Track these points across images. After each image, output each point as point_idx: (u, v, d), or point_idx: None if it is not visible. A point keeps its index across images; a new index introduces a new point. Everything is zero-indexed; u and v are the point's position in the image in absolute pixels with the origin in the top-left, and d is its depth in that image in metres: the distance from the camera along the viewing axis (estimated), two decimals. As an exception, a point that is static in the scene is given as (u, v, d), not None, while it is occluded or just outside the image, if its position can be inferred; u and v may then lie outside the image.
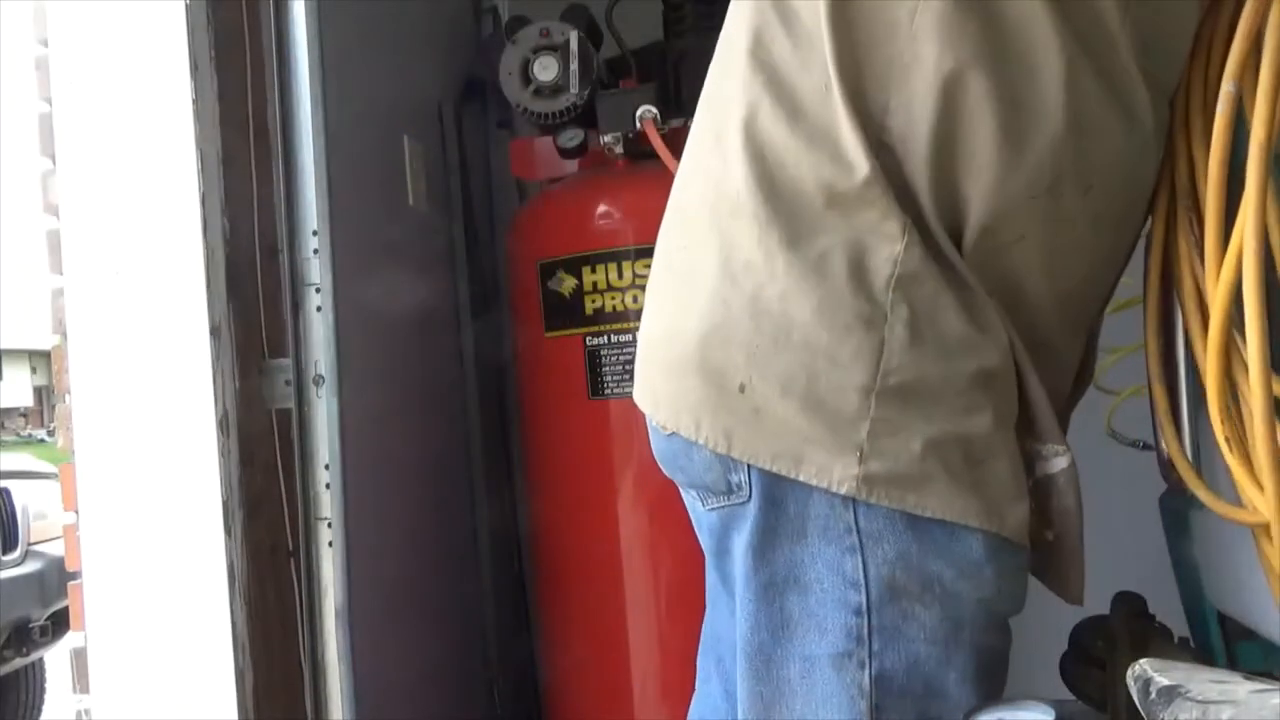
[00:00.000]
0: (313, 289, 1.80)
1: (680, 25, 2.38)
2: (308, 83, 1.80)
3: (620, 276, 2.21)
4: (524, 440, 2.54)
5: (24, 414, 23.15)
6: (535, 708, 2.57)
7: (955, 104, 1.01)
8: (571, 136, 2.23)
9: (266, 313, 1.85)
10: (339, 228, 1.85)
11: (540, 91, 2.24)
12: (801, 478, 1.00)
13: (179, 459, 1.70)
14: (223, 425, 1.71)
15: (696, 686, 1.37)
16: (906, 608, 1.01)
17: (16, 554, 4.08)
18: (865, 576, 1.01)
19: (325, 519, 1.79)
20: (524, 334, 2.42)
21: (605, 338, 2.22)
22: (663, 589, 2.28)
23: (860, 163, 1.00)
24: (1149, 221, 1.18)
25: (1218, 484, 1.11)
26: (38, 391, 23.05)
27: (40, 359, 21.08)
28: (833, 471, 0.99)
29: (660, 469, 1.20)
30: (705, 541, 1.18)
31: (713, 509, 1.11)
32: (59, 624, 4.11)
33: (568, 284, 2.26)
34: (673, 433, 1.09)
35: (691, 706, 1.38)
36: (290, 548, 1.82)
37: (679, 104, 2.24)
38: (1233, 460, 1.02)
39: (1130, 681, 1.04)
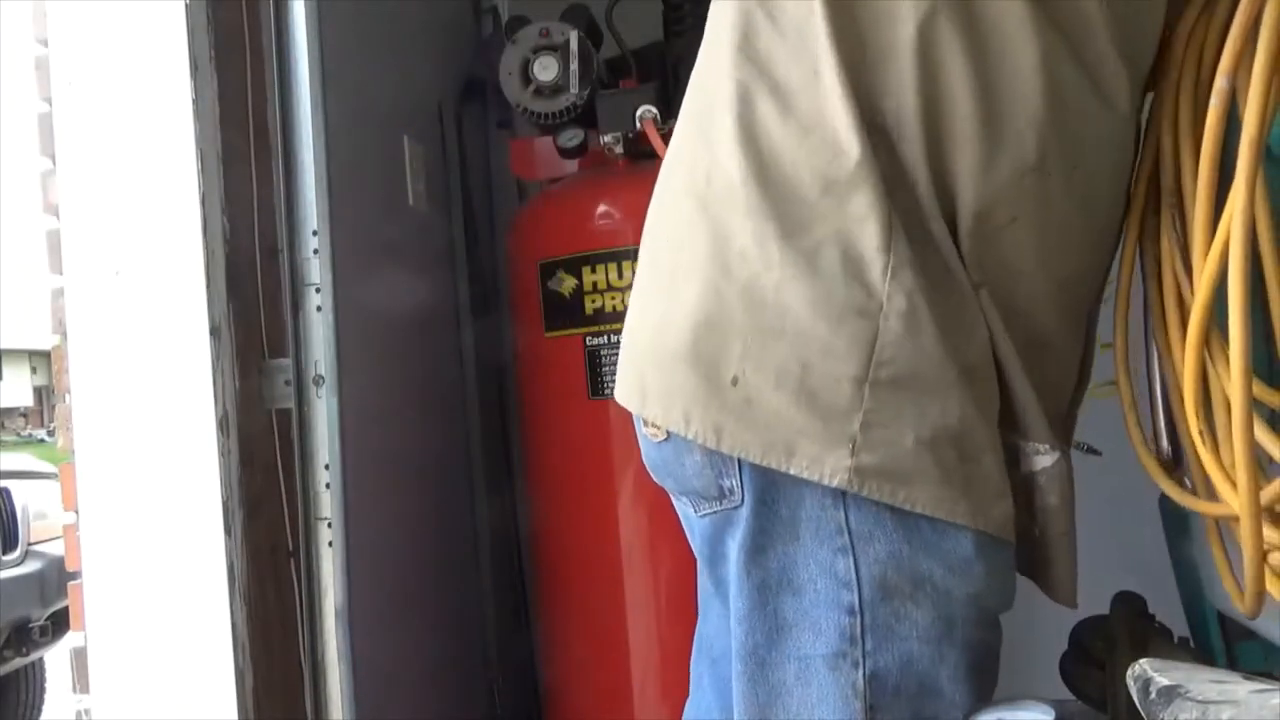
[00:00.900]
0: (313, 289, 1.80)
1: (680, 25, 2.38)
2: (308, 83, 1.80)
3: (620, 276, 2.21)
4: (524, 440, 2.54)
5: (24, 414, 23.17)
6: (535, 708, 2.57)
7: (934, 73, 1.03)
8: (571, 136, 2.23)
9: (266, 313, 1.85)
10: (339, 228, 1.85)
11: (540, 91, 2.24)
12: (793, 470, 1.00)
13: (179, 459, 1.70)
14: (223, 425, 1.71)
15: (690, 692, 1.37)
16: (899, 607, 1.02)
17: (16, 554, 4.08)
18: (857, 576, 1.01)
19: (325, 519, 1.79)
20: (524, 334, 2.42)
21: (605, 338, 2.22)
22: (662, 589, 2.28)
23: (852, 146, 1.00)
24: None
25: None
26: (38, 391, 23.07)
27: (40, 359, 21.10)
28: (824, 463, 0.99)
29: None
30: (698, 548, 1.18)
31: (705, 515, 1.11)
32: (59, 624, 4.11)
33: (568, 284, 2.26)
34: (663, 440, 1.10)
35: (685, 711, 1.38)
36: (290, 548, 1.82)
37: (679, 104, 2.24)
38: (1205, 454, 1.04)
39: (1130, 681, 1.04)
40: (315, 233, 1.80)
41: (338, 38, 1.90)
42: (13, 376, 22.23)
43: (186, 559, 1.69)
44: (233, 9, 1.82)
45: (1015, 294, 1.08)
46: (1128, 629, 1.54)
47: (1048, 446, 1.10)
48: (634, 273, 1.22)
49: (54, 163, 1.75)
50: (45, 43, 1.75)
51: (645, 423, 1.13)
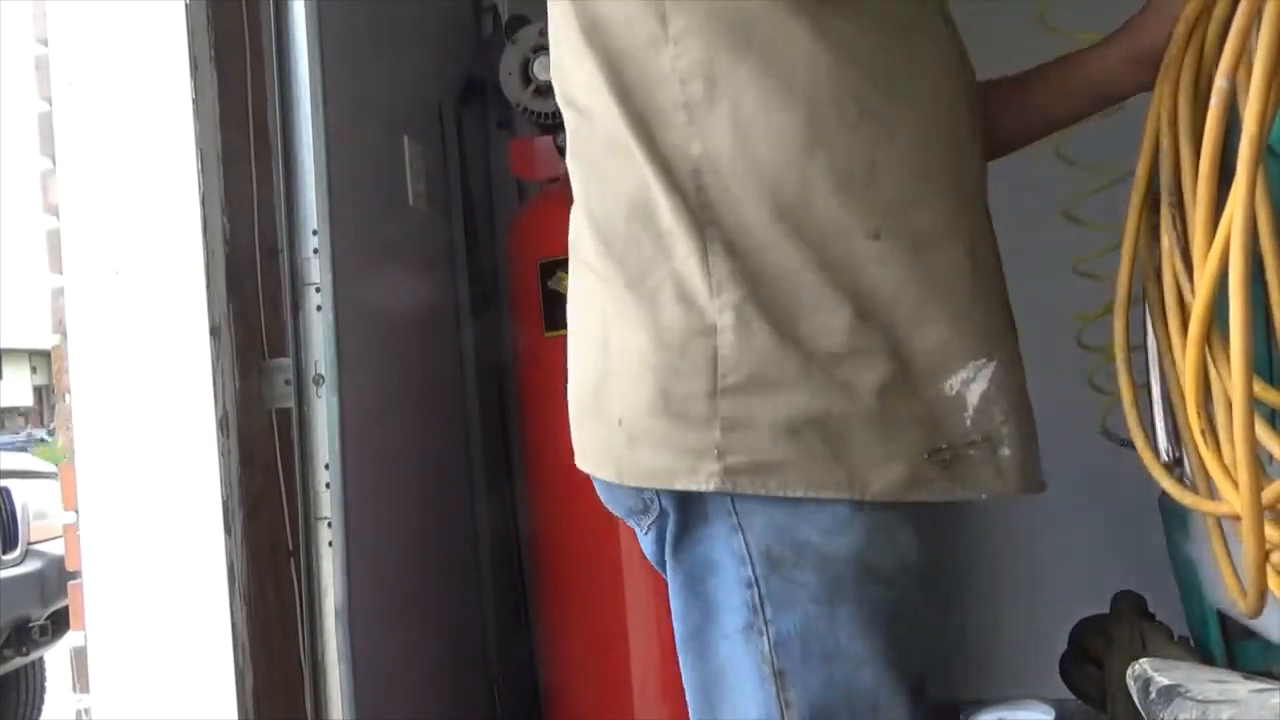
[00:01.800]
0: (313, 289, 1.80)
1: (680, 25, 2.37)
2: (308, 83, 1.80)
3: (620, 276, 2.21)
4: (524, 440, 2.54)
5: (24, 414, 23.18)
6: (535, 708, 2.58)
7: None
8: (571, 136, 2.23)
9: (266, 313, 1.85)
10: (339, 228, 1.85)
11: (540, 91, 2.24)
12: (678, 486, 1.10)
13: (179, 459, 1.70)
14: (223, 425, 1.71)
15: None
16: (788, 574, 1.10)
17: (16, 553, 4.09)
18: (748, 551, 1.11)
19: (325, 519, 1.79)
20: (524, 334, 2.42)
21: (605, 337, 2.22)
22: (662, 588, 2.28)
23: (662, 201, 1.09)
24: (1124, 220, 1.19)
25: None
26: (38, 391, 23.07)
27: (40, 359, 21.10)
28: (699, 473, 1.09)
29: None
30: (655, 563, 1.27)
31: (647, 531, 1.21)
32: (59, 624, 4.11)
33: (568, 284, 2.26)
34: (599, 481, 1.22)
35: None
36: (290, 548, 1.82)
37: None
38: (1207, 453, 1.06)
39: (1130, 681, 1.05)
40: (315, 232, 1.81)
41: (338, 38, 1.90)
42: (13, 376, 22.24)
43: (186, 559, 1.70)
44: (233, 9, 1.82)
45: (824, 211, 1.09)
46: (1128, 629, 1.54)
47: (979, 362, 1.10)
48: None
49: (54, 163, 1.75)
50: (45, 43, 1.75)
51: None
